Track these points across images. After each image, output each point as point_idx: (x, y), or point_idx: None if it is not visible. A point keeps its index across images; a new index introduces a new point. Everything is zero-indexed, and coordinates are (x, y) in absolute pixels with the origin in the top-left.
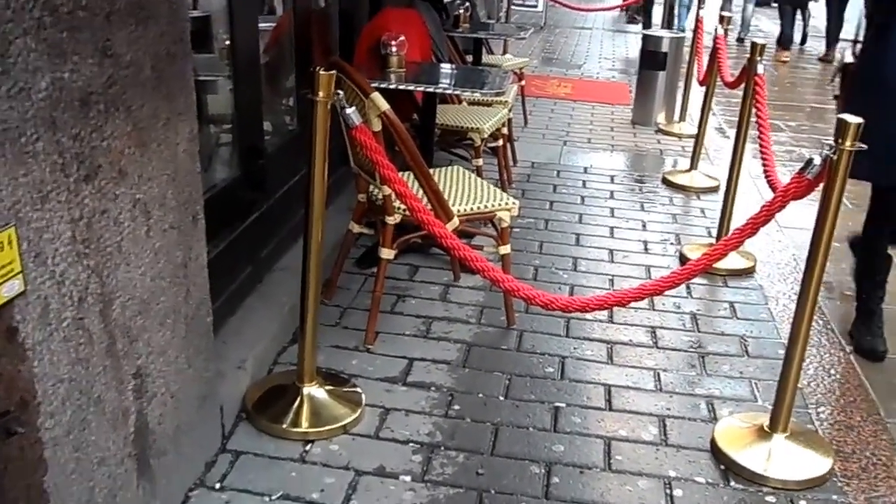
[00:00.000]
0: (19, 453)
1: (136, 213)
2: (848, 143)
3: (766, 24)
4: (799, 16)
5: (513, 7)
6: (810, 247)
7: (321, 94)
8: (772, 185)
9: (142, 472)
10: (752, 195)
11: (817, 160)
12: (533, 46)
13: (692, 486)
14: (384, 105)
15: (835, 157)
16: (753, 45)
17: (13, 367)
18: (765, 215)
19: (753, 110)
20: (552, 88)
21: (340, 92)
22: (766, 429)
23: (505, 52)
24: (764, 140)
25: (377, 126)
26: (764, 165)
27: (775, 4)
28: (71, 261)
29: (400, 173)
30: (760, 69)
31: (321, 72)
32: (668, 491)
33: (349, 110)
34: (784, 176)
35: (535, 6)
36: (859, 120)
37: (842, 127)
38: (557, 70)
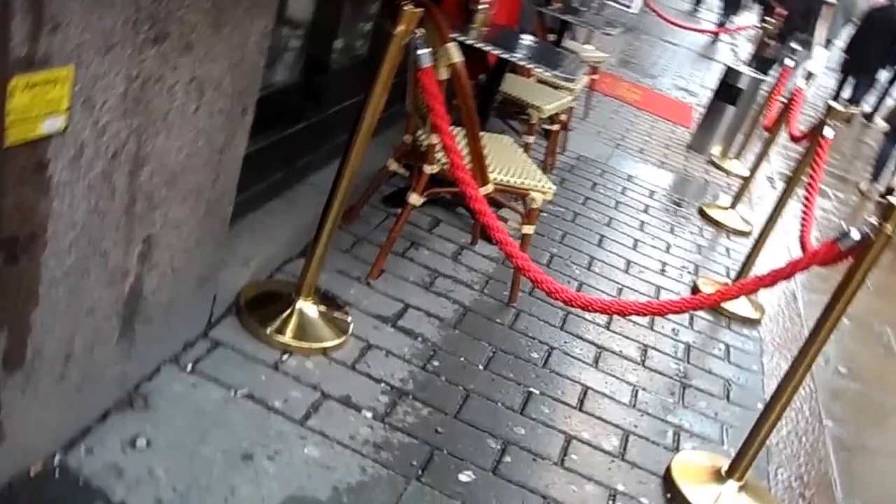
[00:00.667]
0: (17, 281)
1: (191, 88)
2: (889, 226)
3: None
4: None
5: (607, 1)
6: (820, 317)
7: (401, 27)
8: (803, 245)
9: (123, 333)
10: (780, 250)
11: (855, 234)
12: (616, 45)
13: None
14: (457, 56)
15: (873, 237)
16: (829, 107)
17: (34, 199)
18: (788, 271)
19: (808, 170)
20: (622, 91)
21: (419, 31)
22: (722, 473)
23: (587, 42)
24: (809, 201)
25: (444, 75)
26: (802, 224)
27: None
28: (116, 115)
29: (451, 127)
30: (829, 133)
31: (407, 7)
32: (610, 502)
33: (422, 51)
34: (816, 241)
35: (629, 6)
36: None
37: (887, 210)
38: (632, 75)
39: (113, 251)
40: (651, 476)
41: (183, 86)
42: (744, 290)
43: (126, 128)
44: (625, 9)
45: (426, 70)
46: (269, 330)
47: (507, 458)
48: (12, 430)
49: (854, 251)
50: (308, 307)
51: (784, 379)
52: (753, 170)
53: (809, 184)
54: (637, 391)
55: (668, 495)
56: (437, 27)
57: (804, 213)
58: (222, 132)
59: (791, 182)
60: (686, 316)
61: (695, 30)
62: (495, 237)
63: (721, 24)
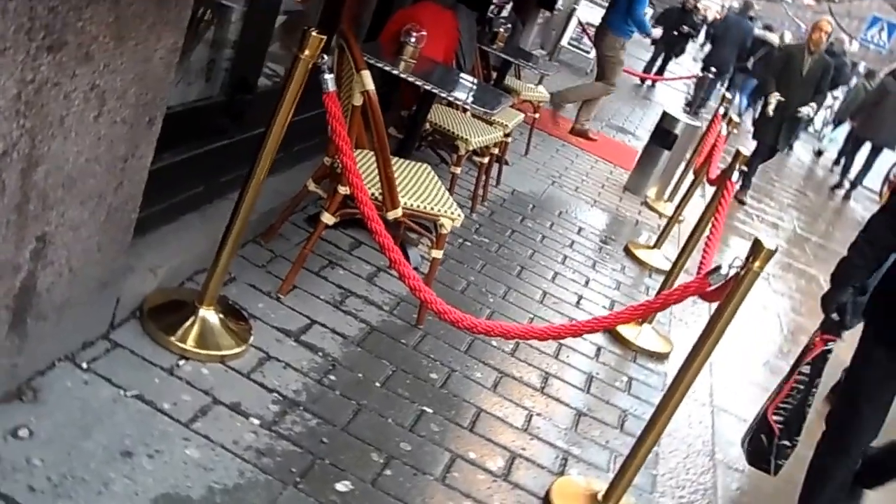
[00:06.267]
0: None
1: (91, 96)
2: (757, 264)
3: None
4: None
5: (566, 45)
6: (691, 349)
7: (306, 53)
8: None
9: (14, 327)
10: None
11: (724, 270)
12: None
13: None
14: (369, 84)
15: (741, 274)
16: (737, 152)
17: None
18: (660, 303)
19: (714, 211)
20: (566, 131)
21: (326, 56)
22: (599, 498)
23: (540, 83)
24: (711, 238)
25: (358, 101)
26: (701, 260)
27: None
28: (7, 115)
29: (358, 150)
30: (735, 175)
31: (312, 33)
32: None
33: (327, 76)
34: None
35: (588, 52)
36: (773, 245)
37: (756, 248)
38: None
39: (2, 246)
40: (531, 497)
41: (82, 93)
42: (604, 323)
43: (18, 128)
44: (584, 53)
45: (330, 94)
46: (170, 336)
47: (388, 472)
48: None
49: (725, 286)
50: (210, 315)
51: (657, 410)
52: (677, 211)
53: (713, 224)
54: (532, 416)
55: None
56: (352, 55)
57: (705, 250)
58: (125, 141)
59: (701, 221)
60: (593, 348)
61: (637, 75)
62: (398, 271)
63: (660, 71)
